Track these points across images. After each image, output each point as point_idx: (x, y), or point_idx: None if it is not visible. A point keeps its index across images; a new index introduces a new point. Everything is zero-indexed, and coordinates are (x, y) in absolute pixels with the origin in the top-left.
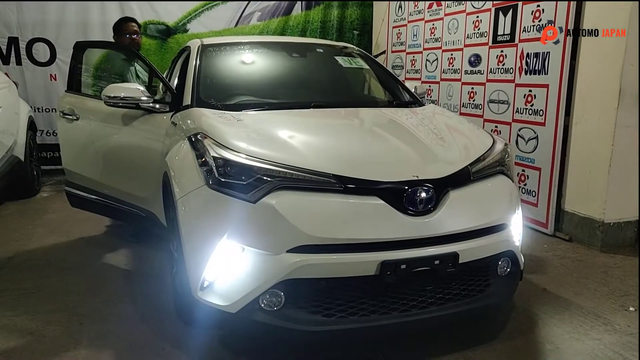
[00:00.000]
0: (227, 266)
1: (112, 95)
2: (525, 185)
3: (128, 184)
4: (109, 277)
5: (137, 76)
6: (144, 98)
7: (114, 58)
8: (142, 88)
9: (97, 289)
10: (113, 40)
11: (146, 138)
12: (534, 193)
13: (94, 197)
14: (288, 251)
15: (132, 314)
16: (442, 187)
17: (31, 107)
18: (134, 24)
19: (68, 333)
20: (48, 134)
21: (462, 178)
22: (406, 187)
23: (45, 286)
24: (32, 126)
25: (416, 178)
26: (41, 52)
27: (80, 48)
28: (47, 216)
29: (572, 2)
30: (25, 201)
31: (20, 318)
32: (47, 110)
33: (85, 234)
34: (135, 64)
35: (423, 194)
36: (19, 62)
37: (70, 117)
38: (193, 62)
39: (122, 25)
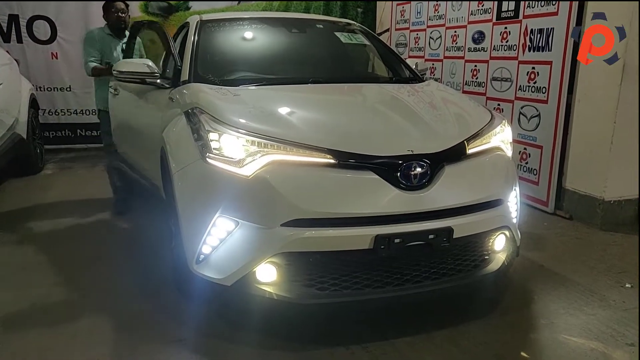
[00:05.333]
0: (221, 240)
1: (121, 70)
2: (526, 163)
3: (140, 157)
4: (110, 251)
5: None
6: (149, 73)
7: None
8: (149, 63)
9: (99, 263)
10: (103, 20)
11: (150, 114)
12: (535, 171)
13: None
14: (282, 225)
15: (133, 287)
16: (437, 161)
17: (33, 85)
18: (120, 2)
19: (70, 305)
20: (50, 113)
21: (458, 153)
22: (400, 162)
23: (47, 260)
24: (34, 104)
25: (411, 152)
26: (42, 30)
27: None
28: (50, 193)
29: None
30: (29, 178)
31: (22, 291)
32: (49, 89)
33: (88, 211)
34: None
35: (418, 169)
36: (19, 40)
37: (114, 92)
38: (191, 38)
39: (109, 3)
